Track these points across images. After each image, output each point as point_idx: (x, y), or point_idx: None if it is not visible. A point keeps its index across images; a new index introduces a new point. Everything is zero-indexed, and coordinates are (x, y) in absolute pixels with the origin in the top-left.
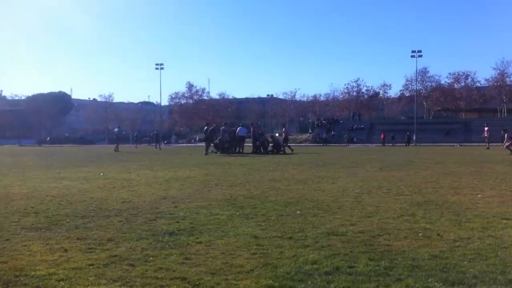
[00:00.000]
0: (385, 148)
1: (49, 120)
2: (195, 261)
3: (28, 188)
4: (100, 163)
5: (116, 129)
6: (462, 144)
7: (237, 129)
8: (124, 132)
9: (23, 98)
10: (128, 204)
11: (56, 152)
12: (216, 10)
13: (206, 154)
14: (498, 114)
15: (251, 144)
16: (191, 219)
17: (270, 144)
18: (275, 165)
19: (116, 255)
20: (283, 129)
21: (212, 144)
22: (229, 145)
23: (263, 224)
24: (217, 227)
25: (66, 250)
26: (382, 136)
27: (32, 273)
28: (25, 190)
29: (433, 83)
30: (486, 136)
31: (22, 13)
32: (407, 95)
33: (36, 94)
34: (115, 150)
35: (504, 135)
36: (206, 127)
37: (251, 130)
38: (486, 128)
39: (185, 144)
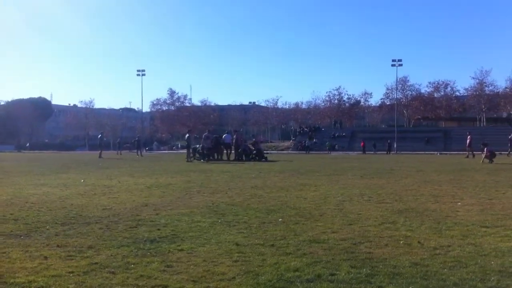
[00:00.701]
0: (366, 156)
1: (29, 126)
2: (177, 268)
3: (7, 194)
4: (80, 169)
5: (99, 136)
6: (442, 152)
7: (222, 136)
8: (105, 139)
9: (2, 103)
10: (109, 211)
11: (36, 158)
12: (198, 17)
13: (188, 161)
14: (477, 123)
15: (232, 151)
16: (172, 226)
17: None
18: (257, 172)
19: (96, 263)
20: (253, 139)
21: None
22: (209, 152)
23: (245, 231)
24: (199, 235)
25: (45, 258)
26: (362, 143)
27: (12, 280)
28: (4, 196)
29: (413, 92)
30: (468, 145)
31: (2, 18)
32: (387, 103)
33: (16, 100)
34: (99, 156)
35: (484, 148)
36: (188, 134)
37: (234, 137)
38: (468, 137)
39: (166, 151)
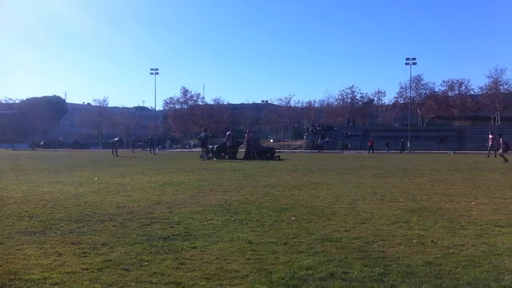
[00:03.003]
0: (377, 155)
1: (43, 124)
2: (190, 266)
3: (23, 192)
4: (94, 167)
5: (116, 138)
6: (456, 151)
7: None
8: (118, 144)
9: (17, 101)
10: (123, 209)
11: (50, 156)
12: (212, 16)
13: (202, 159)
14: (492, 122)
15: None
16: (185, 224)
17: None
18: (269, 171)
19: (110, 260)
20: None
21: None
22: (231, 150)
23: (257, 229)
24: (211, 232)
25: (60, 254)
26: (369, 142)
27: (27, 277)
28: (20, 194)
29: (427, 91)
30: (491, 144)
31: (18, 17)
32: (401, 102)
33: (31, 98)
34: (116, 155)
35: (499, 139)
36: (203, 133)
37: (245, 136)
38: (490, 137)
39: (179, 149)
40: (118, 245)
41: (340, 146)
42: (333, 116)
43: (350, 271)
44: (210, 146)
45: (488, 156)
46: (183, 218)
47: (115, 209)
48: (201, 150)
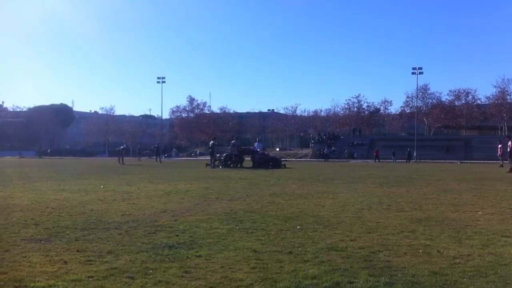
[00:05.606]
0: (383, 164)
1: (50, 132)
2: (195, 274)
3: (29, 199)
4: (100, 175)
5: (122, 146)
6: (463, 161)
7: (254, 144)
8: (125, 151)
9: (24, 109)
10: (128, 217)
11: (57, 164)
12: (218, 25)
13: (212, 167)
14: (499, 131)
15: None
16: (190, 232)
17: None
18: (275, 179)
19: (115, 268)
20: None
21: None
22: (236, 159)
23: (263, 238)
24: (216, 241)
25: (65, 262)
26: (375, 152)
27: (32, 284)
28: (26, 201)
29: (433, 100)
30: (500, 154)
31: (25, 24)
32: (407, 111)
33: (38, 106)
34: (122, 163)
35: (508, 142)
36: (212, 141)
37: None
38: (499, 146)
39: (185, 158)
40: (123, 253)
41: (346, 155)
42: (339, 125)
43: (356, 280)
44: (218, 155)
45: (502, 166)
46: (188, 226)
47: (121, 217)
48: (210, 158)
